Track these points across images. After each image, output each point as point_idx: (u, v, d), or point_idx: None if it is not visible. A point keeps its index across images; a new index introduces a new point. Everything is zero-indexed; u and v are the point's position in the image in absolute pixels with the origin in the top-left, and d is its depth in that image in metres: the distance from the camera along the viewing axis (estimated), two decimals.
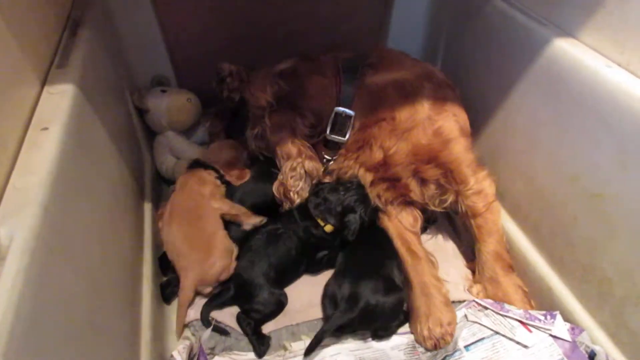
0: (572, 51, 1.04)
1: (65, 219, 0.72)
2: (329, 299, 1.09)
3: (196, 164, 1.34)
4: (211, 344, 1.04)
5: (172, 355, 0.99)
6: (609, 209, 0.96)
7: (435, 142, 1.19)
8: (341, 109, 1.23)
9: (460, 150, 1.20)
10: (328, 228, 1.20)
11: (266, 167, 1.33)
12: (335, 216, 1.21)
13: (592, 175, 1.00)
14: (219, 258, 1.13)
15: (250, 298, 1.10)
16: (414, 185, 1.24)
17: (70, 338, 0.65)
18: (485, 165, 1.25)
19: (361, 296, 1.04)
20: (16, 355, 0.52)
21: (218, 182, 1.30)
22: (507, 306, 1.06)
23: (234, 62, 1.40)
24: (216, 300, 1.11)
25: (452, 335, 1.05)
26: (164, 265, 1.20)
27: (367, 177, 1.26)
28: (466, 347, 1.00)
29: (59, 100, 0.87)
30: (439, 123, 1.19)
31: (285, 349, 1.07)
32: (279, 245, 1.17)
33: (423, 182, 1.24)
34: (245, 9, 1.53)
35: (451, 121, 1.22)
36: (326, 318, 1.09)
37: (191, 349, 0.98)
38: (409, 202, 1.29)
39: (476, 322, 1.04)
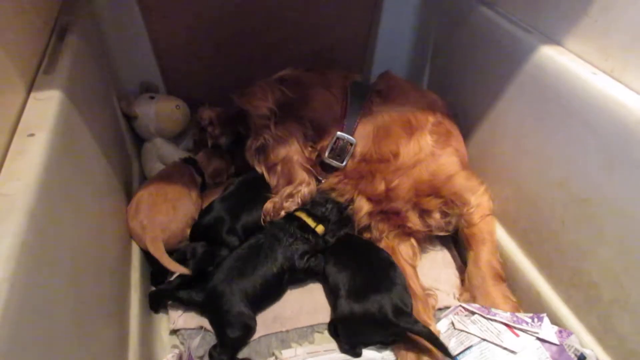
0: (558, 58, 1.05)
1: (52, 225, 0.71)
2: (370, 322, 1.02)
3: (191, 162, 1.39)
4: (200, 353, 1.03)
5: None
6: (596, 213, 0.97)
7: (438, 178, 1.19)
8: (345, 135, 1.21)
9: (461, 182, 1.21)
10: (319, 229, 1.20)
11: (251, 182, 1.31)
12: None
13: (579, 181, 1.01)
14: (173, 221, 1.18)
15: (218, 314, 1.05)
16: (413, 216, 1.23)
17: (56, 346, 0.64)
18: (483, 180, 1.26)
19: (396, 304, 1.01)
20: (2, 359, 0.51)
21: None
22: (493, 310, 1.06)
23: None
24: (184, 294, 1.09)
25: None
26: (156, 278, 1.19)
27: (364, 206, 1.23)
28: (455, 357, 1.00)
29: (46, 107, 0.86)
30: (442, 159, 1.20)
31: (274, 356, 1.06)
32: (260, 258, 1.12)
33: (424, 211, 1.23)
34: (232, 16, 1.53)
35: (453, 157, 1.23)
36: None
37: (180, 357, 0.96)
38: (407, 233, 1.26)
39: (463, 331, 1.03)
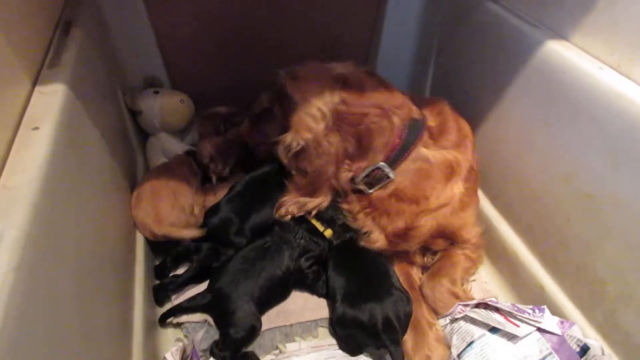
0: (564, 53, 1.04)
1: (56, 218, 0.71)
2: (359, 329, 1.02)
3: (193, 154, 1.42)
4: (204, 346, 1.04)
5: (164, 357, 0.98)
6: (602, 209, 0.97)
7: (457, 225, 1.17)
8: (387, 168, 1.11)
9: (474, 226, 1.21)
10: (328, 233, 1.19)
11: (259, 181, 1.29)
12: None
13: (584, 176, 1.00)
14: (175, 208, 1.20)
15: (224, 316, 1.05)
16: (418, 255, 1.22)
17: (60, 337, 0.65)
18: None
19: (393, 313, 1.01)
20: (6, 353, 0.51)
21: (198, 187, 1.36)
22: (494, 300, 1.04)
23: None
24: (189, 303, 1.08)
25: None
26: (160, 272, 1.20)
27: (379, 241, 1.16)
28: (459, 355, 1.00)
29: (50, 100, 0.86)
30: (468, 210, 1.18)
31: (278, 350, 1.06)
32: (266, 260, 1.12)
33: (428, 250, 1.22)
34: (237, 10, 1.53)
35: (475, 208, 1.23)
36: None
37: (184, 351, 0.97)
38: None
39: (461, 319, 1.03)
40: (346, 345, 1.06)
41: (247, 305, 1.05)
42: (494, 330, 1.00)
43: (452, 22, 1.51)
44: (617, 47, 0.97)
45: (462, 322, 1.04)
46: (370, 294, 1.04)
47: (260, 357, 1.03)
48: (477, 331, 1.00)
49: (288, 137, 1.11)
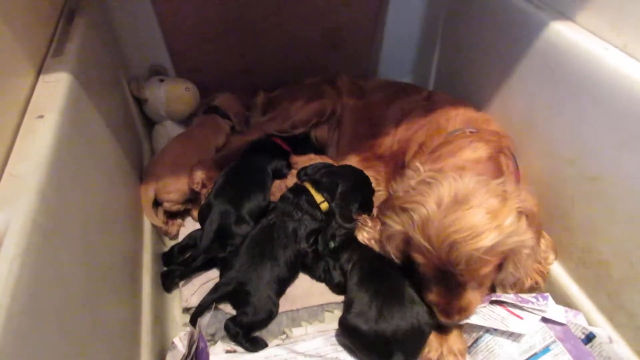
0: (569, 34, 1.03)
1: (62, 205, 0.72)
2: (366, 343, 0.98)
3: (213, 111, 1.49)
4: (212, 330, 1.05)
5: (173, 342, 0.99)
6: (606, 191, 0.96)
7: None
8: None
9: None
10: (324, 206, 1.20)
11: (239, 171, 1.31)
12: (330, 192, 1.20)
13: (589, 159, 1.00)
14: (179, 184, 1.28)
15: (244, 301, 1.06)
16: None
17: (68, 323, 0.66)
18: None
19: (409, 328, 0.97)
20: (13, 340, 0.52)
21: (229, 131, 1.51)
22: (496, 294, 1.04)
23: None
24: (213, 295, 1.07)
25: None
26: (167, 259, 1.21)
27: None
28: (467, 350, 1.00)
29: (55, 89, 0.87)
30: None
31: (285, 334, 1.07)
32: (275, 238, 1.13)
33: None
34: None
35: None
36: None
37: (192, 336, 0.98)
38: None
39: (466, 322, 1.02)
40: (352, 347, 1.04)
41: (265, 289, 1.07)
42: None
43: (458, 3, 1.49)
44: (623, 27, 0.96)
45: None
46: (387, 315, 0.97)
47: (267, 342, 1.05)
48: (481, 328, 1.00)
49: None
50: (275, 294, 1.09)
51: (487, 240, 0.85)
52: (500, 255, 0.90)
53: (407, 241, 0.96)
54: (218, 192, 1.24)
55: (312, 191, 1.21)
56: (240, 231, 1.17)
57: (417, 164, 1.02)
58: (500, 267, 0.95)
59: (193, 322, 1.04)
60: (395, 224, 0.97)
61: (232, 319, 1.05)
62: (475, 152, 1.02)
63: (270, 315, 1.07)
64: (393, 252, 1.01)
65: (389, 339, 0.95)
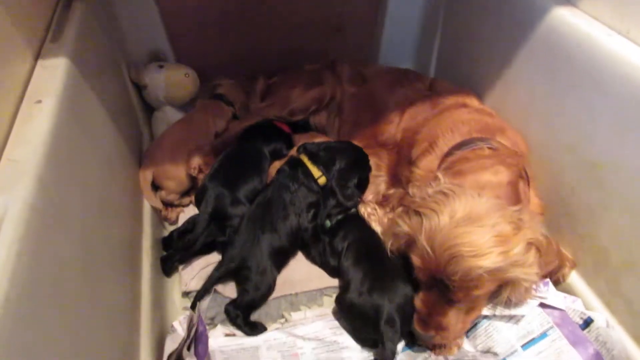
0: (571, 19, 1.03)
1: (60, 190, 0.72)
2: (363, 319, 1.00)
3: (218, 98, 1.50)
4: (211, 314, 1.06)
5: (172, 326, 1.00)
6: (607, 178, 0.96)
7: None
8: None
9: None
10: (322, 181, 1.20)
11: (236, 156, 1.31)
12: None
13: (589, 145, 0.99)
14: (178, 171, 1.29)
15: (246, 276, 1.07)
16: None
17: (67, 307, 0.66)
18: None
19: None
20: (12, 325, 0.52)
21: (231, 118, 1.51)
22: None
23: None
24: (217, 273, 1.08)
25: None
26: (167, 244, 1.22)
27: None
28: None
29: (53, 74, 0.87)
30: None
31: (284, 318, 1.08)
32: (274, 211, 1.14)
33: None
34: None
35: None
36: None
37: (191, 319, 0.99)
38: None
39: None
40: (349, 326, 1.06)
41: (265, 261, 1.08)
42: None
43: None
44: (627, 13, 0.95)
45: None
46: (382, 290, 1.00)
47: (266, 326, 1.06)
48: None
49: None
50: (276, 267, 1.11)
51: (490, 261, 0.84)
52: (498, 282, 0.90)
53: (410, 244, 0.96)
54: (213, 176, 1.24)
55: (309, 164, 1.21)
56: (236, 212, 1.17)
57: (439, 174, 1.01)
58: (494, 292, 0.94)
59: (195, 304, 1.04)
60: (404, 225, 0.96)
61: (232, 303, 1.06)
62: (496, 175, 1.00)
63: (269, 290, 1.09)
64: (394, 249, 1.02)
65: (381, 310, 0.97)
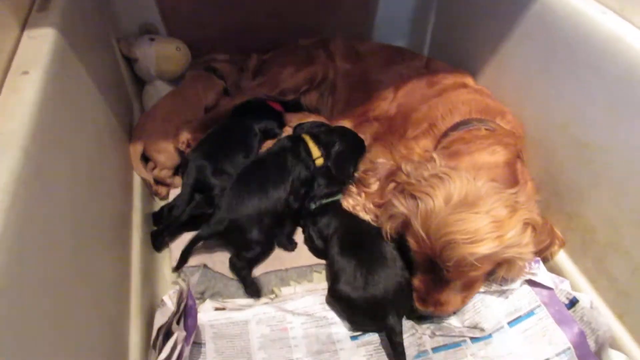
0: None
1: (48, 163, 0.72)
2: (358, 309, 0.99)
3: (211, 71, 1.49)
4: (200, 289, 1.06)
5: (162, 300, 1.00)
6: (596, 157, 0.96)
7: None
8: None
9: None
10: (319, 162, 1.20)
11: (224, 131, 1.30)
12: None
13: (581, 125, 1.00)
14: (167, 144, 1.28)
15: (237, 238, 1.09)
16: None
17: (55, 281, 0.66)
18: None
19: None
20: None
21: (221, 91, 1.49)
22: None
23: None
24: (204, 231, 1.08)
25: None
26: (157, 219, 1.21)
27: None
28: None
29: (40, 45, 0.85)
30: None
31: (274, 294, 1.09)
32: (263, 174, 1.14)
33: None
34: None
35: None
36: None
37: (181, 294, 0.99)
38: None
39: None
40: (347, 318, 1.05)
41: (257, 224, 1.08)
42: None
43: None
44: None
45: None
46: (374, 280, 0.98)
47: (254, 301, 1.06)
48: None
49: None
50: (271, 227, 1.11)
51: (485, 248, 0.85)
52: (493, 264, 0.90)
53: (406, 225, 0.96)
54: (195, 149, 1.24)
55: (311, 143, 1.22)
56: (219, 182, 1.17)
57: (434, 154, 1.01)
58: (490, 271, 0.95)
59: (183, 260, 1.08)
60: (401, 206, 0.96)
61: (237, 255, 1.09)
62: (493, 155, 1.00)
63: (271, 246, 1.13)
64: (390, 231, 1.01)
65: (380, 302, 0.97)
